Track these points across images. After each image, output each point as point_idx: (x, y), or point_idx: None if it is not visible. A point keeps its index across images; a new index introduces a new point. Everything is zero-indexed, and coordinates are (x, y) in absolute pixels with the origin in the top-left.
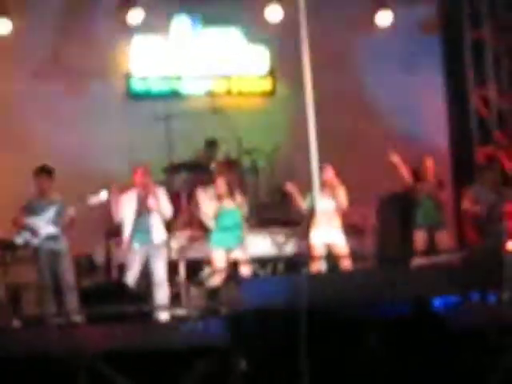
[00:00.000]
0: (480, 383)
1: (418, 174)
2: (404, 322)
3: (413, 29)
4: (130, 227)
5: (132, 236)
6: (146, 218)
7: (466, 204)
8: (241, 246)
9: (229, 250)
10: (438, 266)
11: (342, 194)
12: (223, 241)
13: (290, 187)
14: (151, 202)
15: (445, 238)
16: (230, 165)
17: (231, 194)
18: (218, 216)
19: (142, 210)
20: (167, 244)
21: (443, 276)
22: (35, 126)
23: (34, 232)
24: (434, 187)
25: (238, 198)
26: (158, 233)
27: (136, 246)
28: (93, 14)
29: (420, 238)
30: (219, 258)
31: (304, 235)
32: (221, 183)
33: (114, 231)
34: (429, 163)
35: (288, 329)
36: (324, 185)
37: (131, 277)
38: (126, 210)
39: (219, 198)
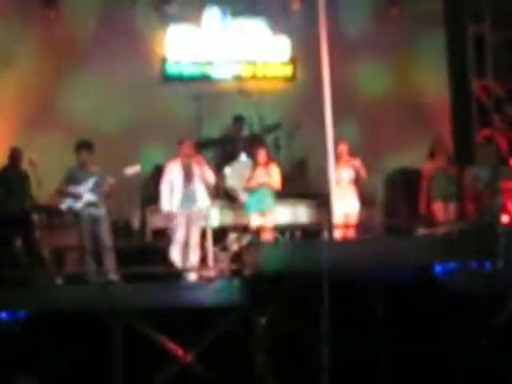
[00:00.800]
0: (471, 343)
1: (432, 152)
2: (406, 282)
3: (419, 22)
4: (178, 194)
5: (178, 202)
6: (191, 185)
7: (467, 180)
8: (271, 210)
9: (261, 213)
10: (439, 235)
11: (358, 164)
12: (257, 205)
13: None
14: (196, 170)
15: (455, 209)
16: (258, 140)
17: (266, 163)
18: (253, 189)
19: (188, 179)
20: (208, 210)
21: (444, 245)
22: (79, 105)
23: (75, 199)
24: (445, 163)
25: (270, 167)
26: (202, 199)
27: (181, 210)
28: (133, 7)
29: (438, 208)
30: (254, 221)
31: (324, 205)
32: (262, 152)
33: (150, 199)
34: (440, 142)
35: (305, 290)
36: (340, 157)
37: (179, 238)
38: (173, 178)
39: (258, 165)
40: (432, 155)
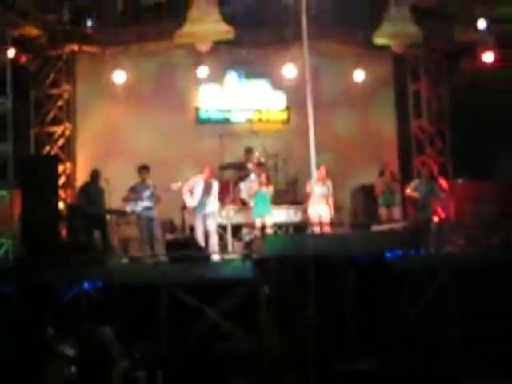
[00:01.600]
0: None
1: (382, 172)
2: (366, 265)
3: (376, 82)
4: (196, 200)
5: (197, 207)
6: (206, 196)
7: (408, 192)
8: (269, 215)
9: (262, 217)
10: (387, 231)
11: (330, 184)
12: (260, 212)
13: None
14: (214, 185)
15: (397, 213)
16: (263, 164)
17: (267, 183)
18: (257, 197)
19: (207, 191)
20: (217, 212)
21: (392, 237)
22: (139, 139)
23: (136, 204)
24: (390, 181)
25: (270, 185)
26: (212, 205)
27: (198, 212)
28: (176, 71)
29: (383, 212)
30: (257, 223)
31: (305, 210)
32: (263, 176)
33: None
34: (388, 166)
35: (296, 269)
36: (319, 178)
37: (199, 232)
38: (195, 187)
39: (260, 184)
40: (381, 174)
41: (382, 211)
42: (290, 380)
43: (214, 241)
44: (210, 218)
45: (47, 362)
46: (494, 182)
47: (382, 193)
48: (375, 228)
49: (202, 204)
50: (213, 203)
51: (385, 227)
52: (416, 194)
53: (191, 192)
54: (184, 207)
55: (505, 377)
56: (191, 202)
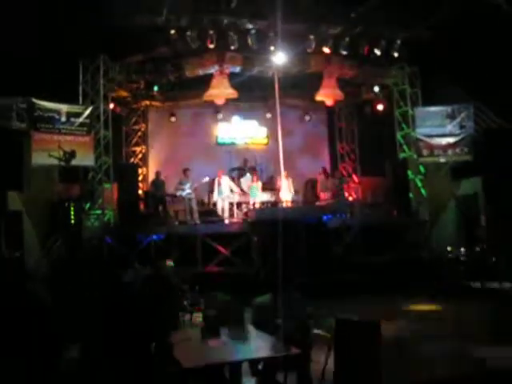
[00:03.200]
0: (336, 245)
1: (323, 172)
2: (311, 223)
3: (319, 122)
4: (216, 191)
5: (216, 194)
6: (219, 188)
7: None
8: (258, 197)
9: (254, 198)
10: (326, 205)
11: (290, 180)
12: (253, 195)
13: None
14: (223, 181)
15: (327, 195)
16: (254, 168)
17: (257, 179)
18: (252, 187)
19: (219, 185)
20: (228, 196)
21: (326, 208)
22: (183, 154)
23: (183, 191)
24: (326, 177)
25: (258, 180)
26: (226, 193)
27: (218, 197)
28: (204, 115)
29: (322, 195)
30: (251, 201)
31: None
32: (254, 175)
33: (210, 190)
34: (325, 170)
35: (272, 226)
36: (284, 176)
37: (219, 207)
38: (215, 185)
39: (253, 180)
40: (323, 173)
41: (322, 195)
42: (267, 287)
43: (227, 212)
44: (225, 199)
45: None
46: (382, 177)
47: (321, 183)
48: (317, 203)
49: (219, 192)
50: (224, 192)
51: (322, 202)
52: (334, 185)
53: (214, 187)
54: (211, 192)
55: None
56: (215, 192)
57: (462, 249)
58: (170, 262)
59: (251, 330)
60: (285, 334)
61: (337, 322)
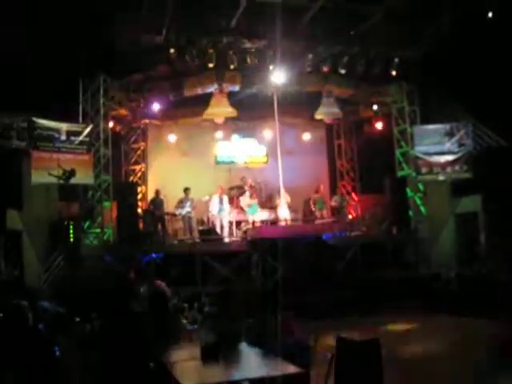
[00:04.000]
0: (337, 264)
1: (317, 190)
2: (311, 241)
3: (315, 140)
4: (216, 208)
5: (217, 211)
6: (221, 205)
7: (332, 203)
8: (257, 215)
9: (253, 216)
10: (326, 223)
11: (288, 197)
12: (252, 213)
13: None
14: (224, 199)
15: (325, 214)
16: (253, 186)
17: (257, 197)
18: (251, 205)
19: (220, 203)
20: (228, 214)
21: (327, 226)
22: (183, 173)
23: (182, 209)
24: (322, 195)
25: (256, 198)
26: (225, 210)
27: (217, 215)
28: (204, 134)
29: (318, 213)
30: (250, 219)
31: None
32: (253, 192)
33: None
34: (321, 187)
35: (271, 247)
36: (283, 194)
37: (217, 225)
38: (214, 201)
39: (251, 197)
40: (315, 191)
41: (317, 213)
42: (267, 306)
43: (226, 230)
44: (224, 218)
45: (132, 297)
46: (382, 195)
47: (315, 203)
48: (317, 221)
49: (220, 210)
50: (225, 209)
51: (322, 221)
52: (335, 204)
53: (213, 204)
54: (210, 212)
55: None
56: (214, 209)
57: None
58: (161, 283)
59: (250, 348)
60: (284, 352)
61: (337, 341)
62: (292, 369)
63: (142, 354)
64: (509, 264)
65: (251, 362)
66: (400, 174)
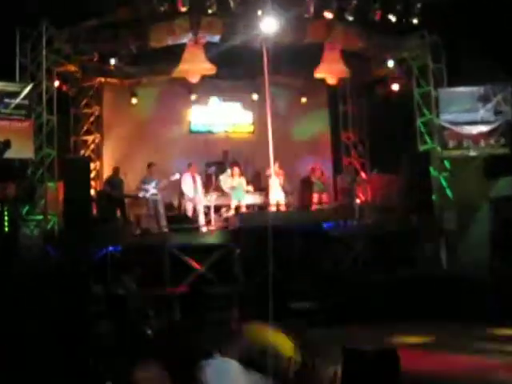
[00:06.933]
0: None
1: (313, 171)
2: (309, 232)
3: (315, 105)
4: (190, 190)
5: (191, 194)
6: (195, 186)
7: (338, 182)
8: (243, 199)
9: (238, 201)
10: (324, 209)
11: (282, 176)
12: (237, 197)
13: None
14: (198, 179)
15: (325, 197)
16: (236, 163)
17: (240, 175)
18: (235, 187)
19: (194, 183)
20: (203, 197)
21: (328, 213)
22: (148, 145)
23: (146, 191)
24: (320, 175)
25: (242, 177)
26: (199, 192)
27: (192, 196)
28: (174, 96)
29: (315, 197)
30: (233, 204)
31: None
32: (236, 169)
33: (181, 192)
34: (318, 166)
35: (260, 236)
36: (275, 172)
37: (190, 211)
38: (186, 181)
39: (233, 176)
40: (313, 171)
41: (315, 197)
42: (252, 314)
43: (202, 218)
44: (199, 201)
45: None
46: (398, 175)
47: (314, 183)
48: (314, 207)
49: (194, 191)
50: (199, 190)
51: (323, 206)
52: (344, 183)
53: (185, 184)
54: (182, 194)
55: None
56: (188, 191)
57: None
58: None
59: (237, 367)
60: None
61: (344, 353)
62: None
63: (97, 372)
64: None
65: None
66: (422, 148)
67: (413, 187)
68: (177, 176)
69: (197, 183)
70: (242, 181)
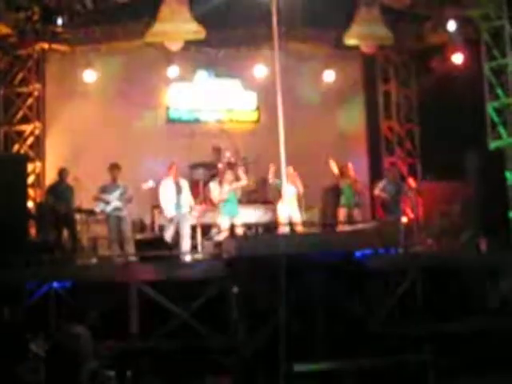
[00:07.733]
0: (380, 303)
1: (342, 173)
2: (335, 264)
3: (346, 85)
4: (172, 201)
5: (173, 208)
6: (179, 196)
7: (376, 192)
8: (237, 215)
9: (231, 217)
10: (357, 231)
11: (299, 183)
12: (229, 212)
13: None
14: (184, 184)
15: (358, 214)
16: (233, 164)
17: (236, 179)
18: (227, 199)
19: (178, 191)
20: (190, 213)
21: (362, 237)
22: (109, 139)
23: (106, 204)
24: (352, 181)
25: (238, 181)
26: (185, 206)
27: (172, 213)
28: (146, 70)
29: (341, 213)
30: (225, 223)
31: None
32: (229, 174)
33: (156, 205)
34: (349, 166)
35: (266, 269)
36: (287, 177)
37: (169, 233)
38: (167, 190)
39: (227, 181)
40: (341, 175)
41: (342, 211)
42: (259, 378)
43: (186, 245)
44: (183, 219)
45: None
46: (460, 181)
47: (342, 192)
48: (340, 228)
49: (178, 205)
50: (184, 204)
51: (354, 227)
52: (384, 195)
53: (166, 193)
54: (156, 207)
55: (470, 373)
56: (168, 204)
57: None
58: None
59: None
60: None
61: None
62: None
63: None
64: None
65: None
66: (494, 144)
67: (483, 199)
68: (150, 184)
69: (182, 193)
70: (237, 189)
